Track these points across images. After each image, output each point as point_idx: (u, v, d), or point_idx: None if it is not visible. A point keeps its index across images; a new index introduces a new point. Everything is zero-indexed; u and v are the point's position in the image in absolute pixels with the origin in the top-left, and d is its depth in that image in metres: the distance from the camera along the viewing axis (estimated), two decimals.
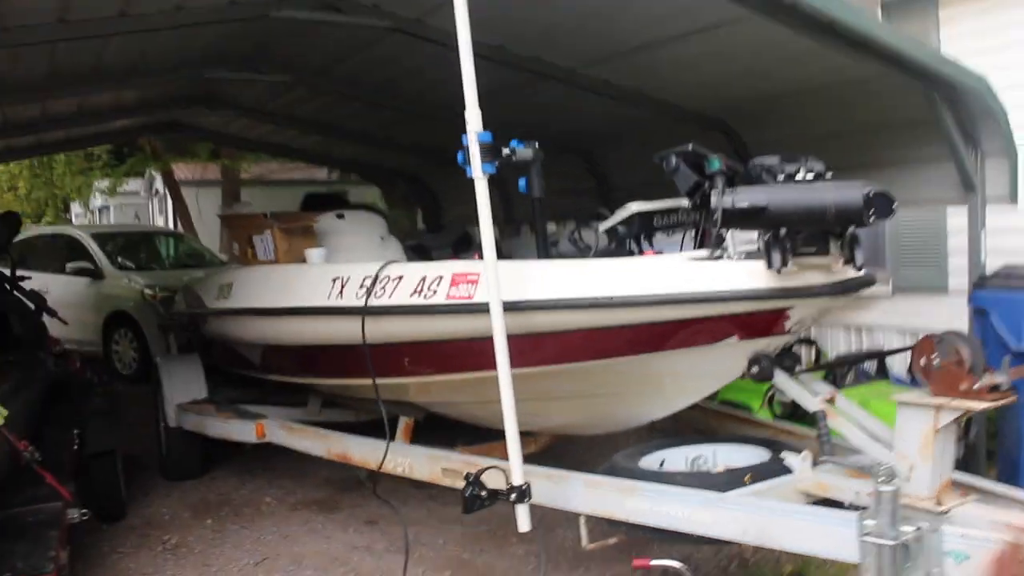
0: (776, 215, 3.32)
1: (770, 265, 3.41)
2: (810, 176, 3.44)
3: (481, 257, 3.60)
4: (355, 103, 9.47)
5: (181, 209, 21.15)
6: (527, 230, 8.28)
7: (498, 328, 3.54)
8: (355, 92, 8.93)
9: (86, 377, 7.08)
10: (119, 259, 12.14)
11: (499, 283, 3.50)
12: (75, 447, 5.61)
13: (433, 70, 7.67)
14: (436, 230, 9.23)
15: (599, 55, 6.81)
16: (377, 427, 5.03)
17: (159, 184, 22.95)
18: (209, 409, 6.39)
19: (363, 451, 4.95)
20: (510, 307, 3.57)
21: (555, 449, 5.57)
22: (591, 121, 8.56)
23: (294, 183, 23.62)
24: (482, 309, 3.59)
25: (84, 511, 4.66)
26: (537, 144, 4.11)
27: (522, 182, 4.21)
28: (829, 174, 3.58)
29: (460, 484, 3.70)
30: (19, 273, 7.17)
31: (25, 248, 12.76)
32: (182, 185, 21.57)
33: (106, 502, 5.97)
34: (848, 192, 3.22)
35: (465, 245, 8.17)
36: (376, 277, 4.23)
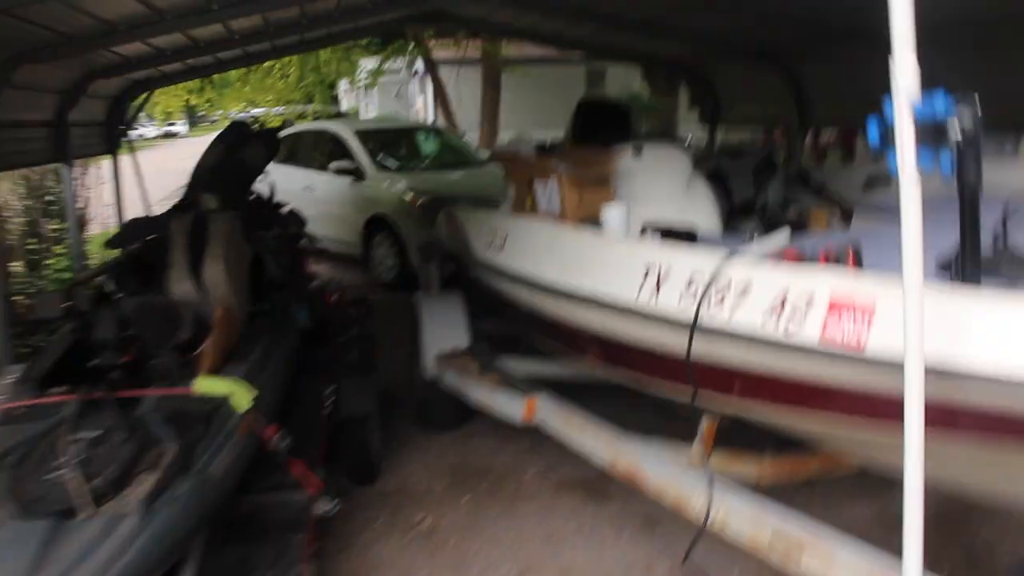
0: None
1: None
2: None
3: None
4: None
5: (440, 93, 20.75)
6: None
7: (914, 397, 2.25)
8: None
9: (344, 314, 6.48)
10: (380, 159, 11.66)
11: (923, 332, 2.18)
12: (327, 412, 5.00)
13: None
14: (733, 154, 7.76)
15: None
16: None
17: (420, 64, 22.57)
18: (471, 367, 5.53)
19: (663, 478, 3.82)
20: (938, 372, 2.26)
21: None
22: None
23: (551, 61, 22.59)
24: (879, 364, 2.34)
25: (336, 502, 4.06)
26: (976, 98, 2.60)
27: (945, 160, 2.67)
28: None
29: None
30: (277, 201, 6.59)
31: (293, 143, 12.68)
32: (441, 65, 21.07)
33: (359, 465, 5.39)
34: None
35: (770, 170, 6.75)
36: (712, 280, 2.96)
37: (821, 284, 2.72)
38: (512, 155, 5.13)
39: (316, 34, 10.07)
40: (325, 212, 11.50)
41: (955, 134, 2.16)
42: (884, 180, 6.17)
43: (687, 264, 3.06)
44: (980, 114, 2.35)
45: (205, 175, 5.88)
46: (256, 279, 5.13)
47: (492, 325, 6.25)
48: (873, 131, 2.27)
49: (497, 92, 20.08)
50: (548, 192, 4.38)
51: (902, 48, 2.14)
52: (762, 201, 6.55)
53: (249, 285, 4.91)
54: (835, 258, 2.87)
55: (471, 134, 19.33)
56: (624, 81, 23.06)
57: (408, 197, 10.55)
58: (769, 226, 5.98)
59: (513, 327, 5.73)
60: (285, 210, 6.73)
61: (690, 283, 2.99)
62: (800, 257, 3.03)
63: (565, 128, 7.78)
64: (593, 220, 4.20)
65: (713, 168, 6.12)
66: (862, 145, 15.09)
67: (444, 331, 5.95)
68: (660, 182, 4.71)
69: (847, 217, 5.80)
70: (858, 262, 2.90)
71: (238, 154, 6.13)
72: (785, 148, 13.59)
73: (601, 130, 7.62)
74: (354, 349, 5.81)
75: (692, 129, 21.61)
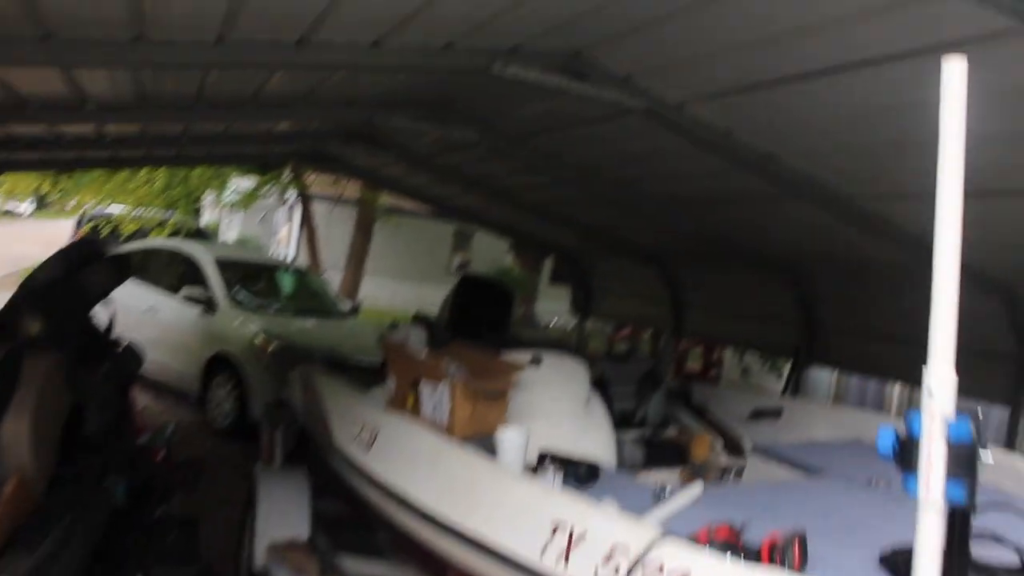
0: None
1: None
2: None
3: None
4: (541, 175, 7.98)
5: (309, 229, 20.20)
6: None
7: None
8: (548, 165, 7.41)
9: (169, 477, 5.58)
10: (236, 293, 10.87)
11: None
12: None
13: (659, 160, 6.13)
14: (618, 359, 7.54)
15: (893, 191, 5.09)
16: None
17: (292, 194, 22.07)
18: (309, 566, 4.75)
19: None
20: None
21: None
22: (818, 246, 6.89)
23: (423, 216, 22.57)
24: None
25: None
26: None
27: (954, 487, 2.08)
28: None
29: None
30: (115, 337, 5.75)
31: (144, 257, 11.76)
32: (316, 200, 20.64)
33: None
34: None
35: (653, 383, 6.50)
36: (637, 562, 2.45)
37: None
38: (399, 346, 4.58)
39: (195, 152, 9.46)
40: (166, 339, 10.53)
41: (985, 460, 1.82)
42: (772, 413, 6.01)
43: (608, 533, 2.58)
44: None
45: (35, 294, 4.99)
46: (70, 432, 4.28)
47: (338, 507, 5.50)
48: (886, 443, 1.91)
49: (368, 238, 19.73)
50: (436, 397, 3.86)
51: (940, 360, 1.80)
52: (642, 414, 6.25)
53: (59, 442, 4.07)
54: (780, 552, 2.48)
55: (333, 273, 18.77)
56: (489, 246, 23.31)
57: (259, 340, 9.77)
58: (650, 446, 5.66)
59: (365, 519, 5.03)
60: (122, 345, 5.87)
61: (609, 558, 2.51)
62: (733, 535, 2.63)
63: (444, 301, 7.37)
64: (483, 436, 3.70)
65: (598, 374, 5.80)
66: (731, 364, 15.44)
67: (282, 516, 5.13)
68: (559, 400, 4.29)
69: (733, 448, 5.53)
70: (803, 556, 2.51)
71: (80, 276, 5.31)
72: (650, 349, 13.73)
73: (481, 310, 7.26)
74: (174, 530, 4.92)
75: (553, 307, 21.93)
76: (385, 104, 6.51)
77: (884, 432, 1.92)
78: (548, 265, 22.29)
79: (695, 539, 2.61)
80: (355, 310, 12.49)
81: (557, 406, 4.24)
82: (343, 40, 4.15)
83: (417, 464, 3.59)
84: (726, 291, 9.11)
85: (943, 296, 1.79)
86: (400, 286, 24.08)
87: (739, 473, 5.07)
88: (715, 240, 7.96)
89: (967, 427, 1.77)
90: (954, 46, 3.32)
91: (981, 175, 4.58)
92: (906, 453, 1.83)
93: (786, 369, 9.02)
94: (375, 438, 3.99)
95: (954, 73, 1.82)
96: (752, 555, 2.52)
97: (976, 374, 6.27)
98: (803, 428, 5.36)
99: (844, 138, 4.50)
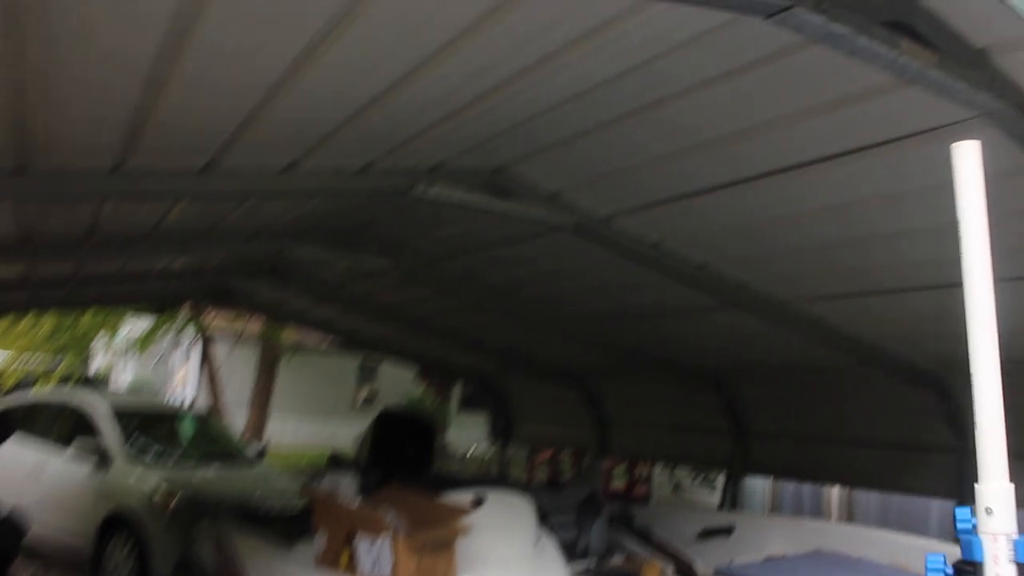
0: None
1: None
2: None
3: None
4: (457, 298, 7.75)
5: (210, 370, 19.36)
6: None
7: None
8: (465, 288, 7.20)
9: None
10: (133, 444, 10.07)
11: None
12: None
13: (585, 277, 5.98)
14: (552, 487, 7.22)
15: (827, 292, 5.04)
16: None
17: (190, 334, 21.26)
18: None
19: None
20: None
21: None
22: (748, 353, 6.80)
23: (327, 352, 22.13)
24: None
25: None
26: None
27: None
28: None
29: None
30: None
31: (30, 411, 10.87)
32: (216, 338, 19.86)
33: None
34: None
35: (593, 509, 6.18)
36: None
37: None
38: (327, 497, 4.14)
39: (86, 293, 8.89)
40: (55, 500, 9.59)
41: None
42: (722, 531, 5.75)
43: None
44: None
45: None
46: None
47: None
48: (936, 571, 1.65)
49: (272, 376, 19.00)
50: (375, 552, 3.43)
51: (994, 473, 1.57)
52: (584, 543, 5.90)
53: None
54: None
55: (236, 412, 17.91)
56: (396, 376, 22.88)
57: (160, 494, 9.00)
58: None
59: None
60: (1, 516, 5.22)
61: None
62: None
63: (361, 438, 6.95)
64: None
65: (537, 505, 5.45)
66: (661, 481, 15.11)
67: None
68: (509, 542, 3.92)
69: (685, 573, 5.23)
70: None
71: None
72: (572, 472, 13.36)
73: (403, 446, 6.91)
74: None
75: (465, 435, 21.37)
76: (294, 234, 6.22)
77: (933, 561, 1.67)
78: (458, 392, 21.93)
79: None
80: (262, 453, 11.79)
81: (508, 550, 3.88)
82: (253, 165, 3.88)
83: None
84: (652, 405, 8.93)
85: (989, 404, 1.58)
86: (305, 422, 23.27)
87: None
88: (641, 354, 7.82)
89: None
90: (891, 142, 3.32)
91: (903, 271, 4.62)
92: None
93: (719, 481, 8.82)
94: None
95: (967, 157, 1.67)
96: None
97: (919, 470, 6.24)
98: (757, 544, 5.11)
99: (779, 241, 4.44)
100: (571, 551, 5.79)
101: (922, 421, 5.90)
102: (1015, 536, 1.57)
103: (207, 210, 4.93)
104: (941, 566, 1.67)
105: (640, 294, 5.95)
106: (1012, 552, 1.55)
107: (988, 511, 1.57)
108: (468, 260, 6.34)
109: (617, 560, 5.69)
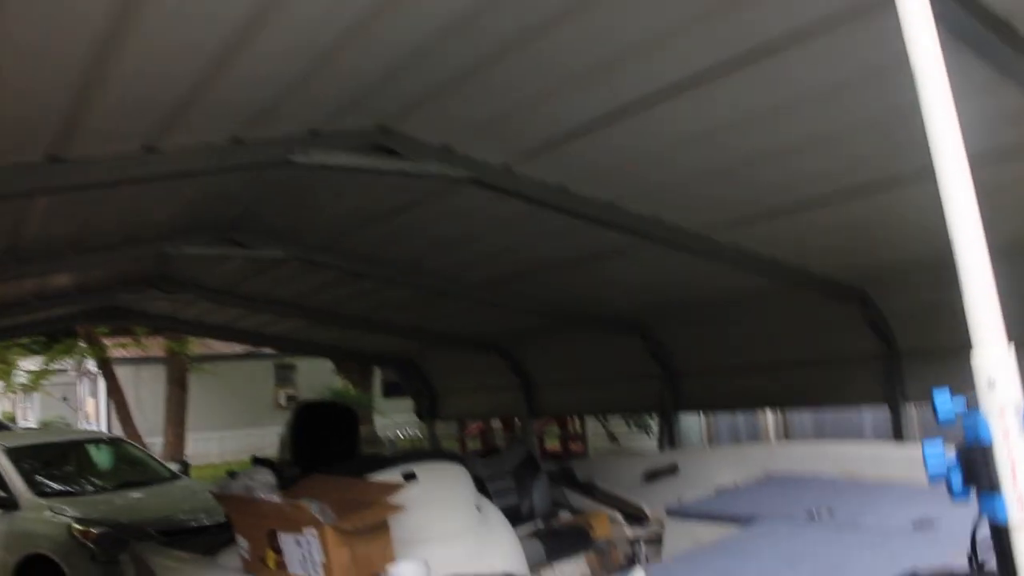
0: None
1: None
2: None
3: None
4: (360, 281, 7.41)
5: (117, 398, 18.49)
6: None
7: None
8: (366, 268, 6.87)
9: None
10: (40, 481, 9.45)
11: None
12: None
13: (491, 236, 5.73)
14: (486, 455, 6.98)
15: (741, 215, 4.91)
16: None
17: (91, 364, 20.32)
18: None
19: None
20: None
21: None
22: (667, 292, 6.69)
23: (237, 357, 21.58)
24: None
25: None
26: None
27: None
28: None
29: None
30: None
31: None
32: (119, 364, 18.99)
33: None
34: None
35: (531, 471, 5.98)
36: None
37: None
38: (240, 498, 3.79)
39: None
40: None
41: None
42: (667, 471, 5.61)
43: None
44: None
45: None
46: None
47: None
48: (938, 464, 1.46)
49: (183, 392, 18.27)
50: (304, 549, 3.12)
51: (991, 341, 1.38)
52: (528, 506, 5.70)
53: None
54: None
55: (153, 438, 17.21)
56: (315, 373, 22.45)
57: (78, 529, 8.45)
58: (548, 537, 5.09)
59: None
60: None
61: None
62: None
63: (282, 437, 6.61)
64: None
65: (473, 474, 5.22)
66: (596, 434, 15.06)
67: None
68: (450, 515, 3.67)
69: (635, 518, 5.08)
70: None
71: None
72: (506, 440, 13.20)
73: (326, 435, 6.59)
74: None
75: (392, 421, 21.06)
76: (177, 232, 5.80)
77: (932, 450, 1.48)
78: (379, 379, 21.61)
79: None
80: (184, 470, 11.26)
81: (450, 523, 3.61)
82: (105, 151, 3.49)
83: None
84: (577, 360, 8.78)
85: (975, 266, 1.39)
86: (229, 436, 22.63)
87: (656, 541, 4.60)
88: (560, 310, 7.63)
89: None
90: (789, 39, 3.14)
91: (803, 188, 4.52)
92: (974, 468, 1.39)
93: (655, 425, 8.75)
94: None
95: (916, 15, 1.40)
96: None
97: (849, 382, 6.25)
98: (704, 478, 4.98)
99: (688, 165, 4.24)
100: (515, 516, 5.58)
101: (847, 334, 5.91)
102: None
103: (70, 212, 4.50)
104: (941, 453, 1.47)
105: (551, 244, 5.74)
106: None
107: (990, 383, 1.37)
108: (366, 236, 6.02)
109: (564, 517, 5.52)
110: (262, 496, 3.57)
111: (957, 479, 1.47)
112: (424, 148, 4.27)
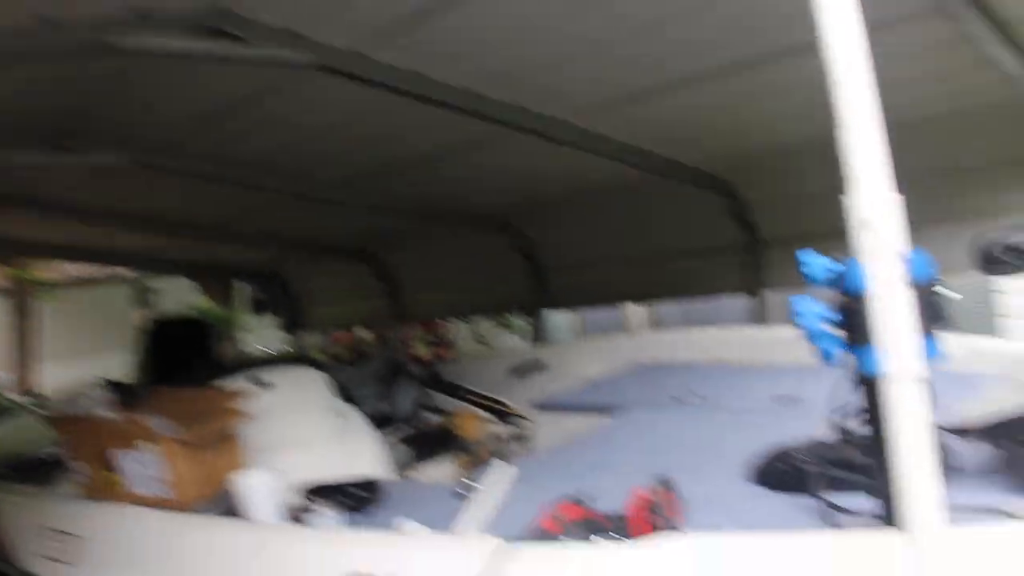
0: None
1: None
2: None
3: None
4: (209, 187, 6.93)
5: None
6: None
7: None
8: (213, 172, 6.41)
9: None
10: None
11: None
12: None
13: (344, 129, 5.41)
14: (353, 362, 6.79)
15: (599, 102, 4.78)
16: None
17: None
18: None
19: None
20: None
21: None
22: (527, 184, 6.56)
23: (91, 282, 20.34)
24: None
25: None
26: None
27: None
28: None
29: None
30: None
31: None
32: None
33: None
34: None
35: (397, 376, 5.86)
36: None
37: None
38: (74, 418, 3.45)
39: None
40: None
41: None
42: (533, 366, 5.57)
43: (432, 565, 1.86)
44: None
45: None
46: None
47: None
48: (810, 317, 1.35)
49: (31, 324, 17.21)
50: (144, 465, 2.86)
51: (870, 181, 1.26)
52: (394, 412, 5.59)
53: None
54: (655, 510, 1.91)
55: (3, 375, 16.24)
56: (175, 294, 21.45)
57: None
58: (416, 441, 5.01)
59: None
60: None
61: None
62: (585, 510, 2.02)
63: (133, 356, 6.23)
64: (223, 494, 2.80)
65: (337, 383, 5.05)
66: (464, 337, 14.96)
67: None
68: (306, 420, 3.47)
69: (503, 416, 5.04)
70: (678, 502, 1.97)
71: None
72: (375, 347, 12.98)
73: (179, 349, 6.26)
74: None
75: (263, 338, 20.46)
76: None
77: (801, 304, 1.36)
78: (245, 295, 20.80)
79: (543, 531, 1.97)
80: (37, 403, 10.64)
81: (305, 430, 3.42)
82: None
83: (146, 563, 2.63)
84: (443, 263, 8.62)
85: (851, 115, 1.26)
86: (87, 364, 21.47)
87: (525, 438, 4.57)
88: (422, 209, 7.39)
89: (925, 261, 1.25)
90: None
91: (672, 64, 4.42)
92: (853, 319, 1.28)
93: (522, 324, 8.73)
94: (81, 549, 2.94)
95: None
96: (621, 525, 1.93)
97: (714, 272, 6.33)
98: (575, 372, 4.96)
99: (548, 44, 4.03)
100: (382, 421, 5.48)
101: (712, 225, 5.97)
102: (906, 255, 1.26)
103: None
104: (813, 306, 1.36)
105: (409, 138, 5.48)
106: (907, 273, 1.24)
107: (865, 224, 1.24)
108: (209, 135, 5.57)
109: (431, 420, 5.44)
110: (97, 414, 3.27)
111: (828, 337, 1.38)
112: (265, 31, 3.90)
